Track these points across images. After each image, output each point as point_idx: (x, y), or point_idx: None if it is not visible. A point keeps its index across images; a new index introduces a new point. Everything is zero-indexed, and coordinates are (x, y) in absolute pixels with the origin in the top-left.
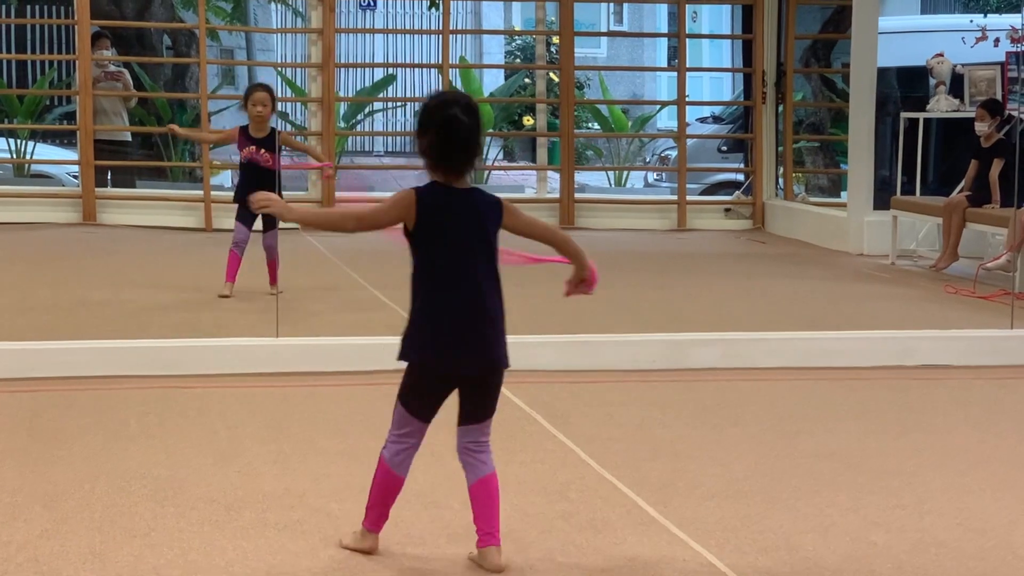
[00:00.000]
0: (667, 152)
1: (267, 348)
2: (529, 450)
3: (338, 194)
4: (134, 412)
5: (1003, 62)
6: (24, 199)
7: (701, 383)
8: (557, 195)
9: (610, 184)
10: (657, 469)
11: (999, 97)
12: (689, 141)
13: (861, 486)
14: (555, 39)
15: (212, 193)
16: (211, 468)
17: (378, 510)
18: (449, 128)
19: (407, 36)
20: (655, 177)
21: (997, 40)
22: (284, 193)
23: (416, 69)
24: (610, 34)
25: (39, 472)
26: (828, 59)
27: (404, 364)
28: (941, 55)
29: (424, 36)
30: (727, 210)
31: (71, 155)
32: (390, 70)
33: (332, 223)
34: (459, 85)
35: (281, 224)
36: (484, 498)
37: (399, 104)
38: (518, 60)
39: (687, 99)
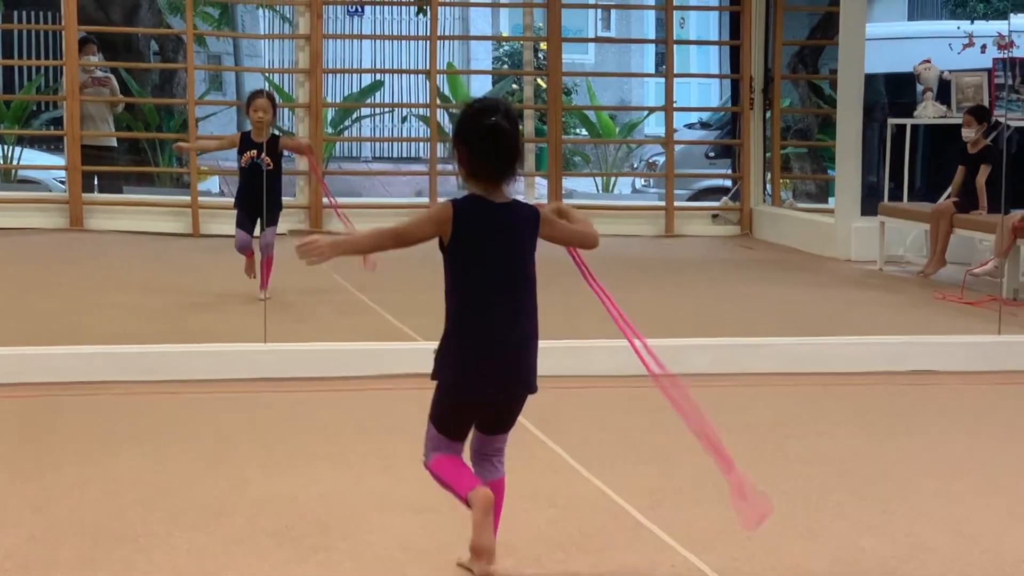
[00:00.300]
0: (655, 158)
1: (255, 354)
2: (518, 456)
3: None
4: (123, 418)
5: (990, 68)
6: (11, 204)
7: (691, 389)
8: (545, 201)
9: (598, 190)
10: (646, 475)
11: (986, 103)
12: (677, 147)
13: (850, 491)
14: (543, 45)
15: (200, 199)
16: (200, 474)
17: (462, 479)
18: (491, 136)
19: (395, 42)
20: (643, 183)
21: (984, 46)
22: None
23: (404, 75)
24: (598, 40)
25: (28, 477)
26: (816, 65)
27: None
28: (928, 61)
29: (412, 42)
30: (715, 216)
31: (58, 160)
32: (377, 76)
33: (373, 245)
34: (447, 91)
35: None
36: None
37: (387, 110)
38: (506, 66)
39: (675, 105)
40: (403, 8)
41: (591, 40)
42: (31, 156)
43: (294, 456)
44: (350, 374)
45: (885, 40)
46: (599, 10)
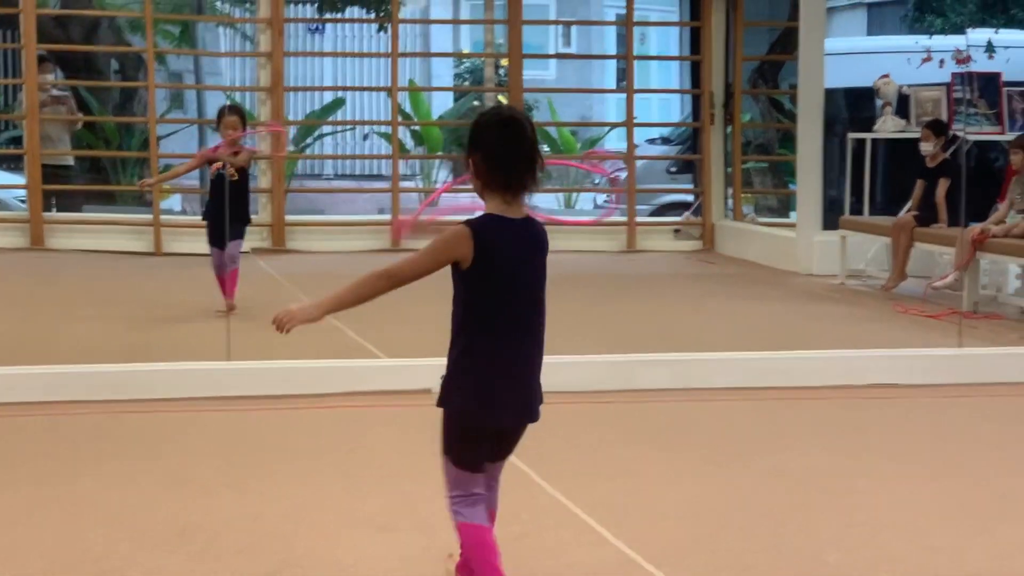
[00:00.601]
0: (616, 174)
1: (218, 372)
2: None
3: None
4: (85, 437)
5: (948, 83)
6: None
7: (652, 404)
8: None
9: (559, 206)
10: (610, 490)
11: (944, 117)
12: (638, 162)
13: (813, 505)
14: (503, 62)
15: (161, 217)
16: (163, 492)
17: (486, 567)
18: (510, 143)
19: (356, 60)
20: (604, 199)
21: (942, 61)
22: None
23: (365, 92)
24: (559, 56)
25: None
26: (776, 80)
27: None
28: (887, 76)
29: (373, 59)
30: (676, 231)
31: (18, 179)
32: (339, 93)
33: (365, 294)
34: (408, 108)
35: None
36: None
37: (349, 127)
38: (467, 83)
39: (635, 120)
40: (364, 26)
41: (552, 56)
42: None
43: (258, 474)
44: (313, 392)
45: (844, 55)
46: (560, 26)
